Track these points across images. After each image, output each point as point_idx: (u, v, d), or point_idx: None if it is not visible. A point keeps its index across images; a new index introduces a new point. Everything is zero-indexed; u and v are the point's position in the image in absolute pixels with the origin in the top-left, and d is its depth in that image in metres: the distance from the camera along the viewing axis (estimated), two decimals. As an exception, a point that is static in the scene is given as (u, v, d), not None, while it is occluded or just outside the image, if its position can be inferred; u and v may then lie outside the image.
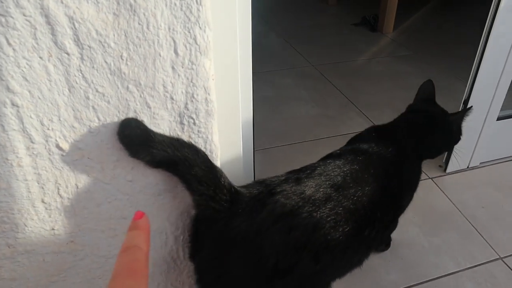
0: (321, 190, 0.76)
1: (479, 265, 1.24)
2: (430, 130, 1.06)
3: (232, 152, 1.04)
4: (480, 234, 1.33)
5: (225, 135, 1.01)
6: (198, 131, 0.65)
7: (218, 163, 0.72)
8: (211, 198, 0.67)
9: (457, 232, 1.33)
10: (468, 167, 1.58)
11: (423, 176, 1.18)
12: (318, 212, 0.73)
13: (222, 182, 0.68)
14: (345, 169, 0.83)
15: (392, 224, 1.05)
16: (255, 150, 1.20)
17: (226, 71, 0.92)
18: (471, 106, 1.12)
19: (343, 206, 0.76)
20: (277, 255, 0.70)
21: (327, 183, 0.77)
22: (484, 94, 1.40)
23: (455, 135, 1.12)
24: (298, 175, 0.79)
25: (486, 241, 1.31)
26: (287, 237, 0.70)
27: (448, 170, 1.55)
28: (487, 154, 1.59)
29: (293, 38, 2.67)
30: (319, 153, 1.60)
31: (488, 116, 1.46)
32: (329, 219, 0.73)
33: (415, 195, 1.06)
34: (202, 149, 0.67)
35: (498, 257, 1.26)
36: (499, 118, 1.50)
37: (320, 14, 3.15)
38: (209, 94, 0.62)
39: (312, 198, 0.73)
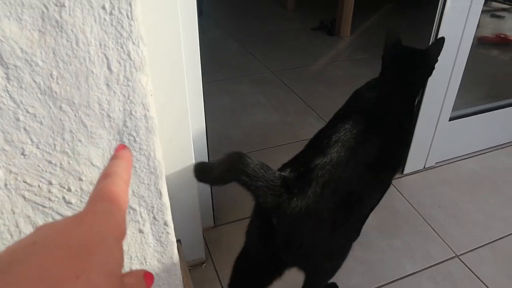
0: (342, 154, 0.91)
1: (436, 264, 1.26)
2: (424, 66, 1.17)
3: (185, 165, 1.03)
4: (437, 233, 1.35)
5: (175, 147, 0.99)
6: (140, 148, 0.63)
7: (163, 179, 0.70)
8: (272, 190, 0.81)
9: (415, 232, 1.36)
10: (424, 167, 1.61)
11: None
12: (346, 173, 0.89)
13: (276, 174, 0.83)
14: (353, 131, 0.95)
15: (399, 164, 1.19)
16: (210, 160, 1.18)
17: (171, 84, 0.90)
18: (443, 37, 1.16)
19: (361, 162, 0.93)
20: (332, 214, 0.86)
21: (344, 147, 0.92)
22: (436, 96, 1.43)
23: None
24: (320, 148, 0.92)
25: (443, 240, 1.33)
26: (334, 199, 0.86)
27: (405, 172, 1.58)
28: (441, 154, 1.62)
29: (251, 44, 2.67)
30: (279, 160, 1.60)
31: (440, 117, 1.49)
32: (354, 175, 0.91)
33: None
34: (145, 166, 0.65)
35: (455, 255, 1.29)
36: (451, 119, 1.53)
37: (278, 19, 3.16)
38: (148, 110, 0.60)
39: (338, 162, 0.89)
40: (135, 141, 0.62)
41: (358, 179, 0.93)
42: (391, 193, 1.48)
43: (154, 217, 0.73)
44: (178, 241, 1.15)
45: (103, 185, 0.32)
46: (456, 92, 1.47)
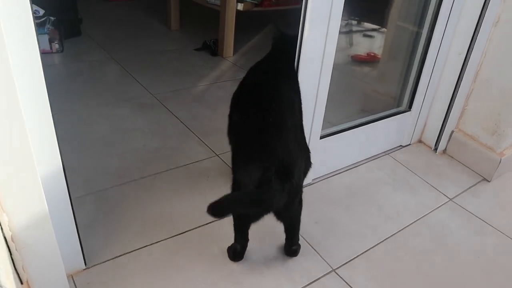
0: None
1: (315, 280, 1.29)
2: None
3: (35, 209, 0.94)
4: (315, 250, 1.40)
5: (21, 193, 0.90)
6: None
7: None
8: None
9: (294, 251, 1.38)
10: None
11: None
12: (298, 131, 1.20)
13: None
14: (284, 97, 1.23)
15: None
16: (71, 198, 1.09)
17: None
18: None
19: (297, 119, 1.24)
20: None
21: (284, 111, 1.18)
22: (305, 117, 1.48)
23: None
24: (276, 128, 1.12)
25: (320, 256, 1.37)
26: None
27: (284, 190, 1.61)
28: (317, 170, 1.69)
29: (132, 66, 2.59)
30: (158, 189, 1.56)
31: (312, 136, 1.55)
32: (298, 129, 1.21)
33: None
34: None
35: (331, 269, 1.34)
36: (321, 137, 1.60)
37: (162, 40, 3.11)
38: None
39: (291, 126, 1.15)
40: None
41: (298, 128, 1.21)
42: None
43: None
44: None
45: None
46: (323, 114, 1.54)
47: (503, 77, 1.74)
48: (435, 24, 1.75)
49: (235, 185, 1.20)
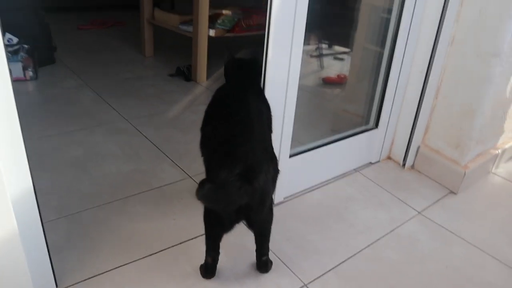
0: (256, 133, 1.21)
1: (286, 296, 1.31)
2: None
3: (4, 231, 0.95)
4: (287, 266, 1.42)
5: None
6: None
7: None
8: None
9: (266, 267, 1.40)
10: (274, 203, 1.69)
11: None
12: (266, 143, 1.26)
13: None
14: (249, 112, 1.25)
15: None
16: (43, 220, 1.10)
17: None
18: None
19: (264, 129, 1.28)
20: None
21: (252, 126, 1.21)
22: (274, 135, 1.52)
23: None
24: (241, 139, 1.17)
25: (292, 271, 1.40)
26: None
27: (256, 209, 1.64)
28: (288, 189, 1.73)
29: (107, 92, 2.61)
30: (131, 211, 1.58)
31: (281, 155, 1.59)
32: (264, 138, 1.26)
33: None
34: None
35: (303, 284, 1.36)
36: (291, 156, 1.65)
37: (136, 66, 3.16)
38: None
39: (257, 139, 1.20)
40: None
41: (266, 137, 1.29)
42: (243, 230, 1.52)
43: None
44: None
45: None
46: (291, 133, 1.58)
47: (461, 93, 1.83)
48: (395, 44, 1.84)
49: None
